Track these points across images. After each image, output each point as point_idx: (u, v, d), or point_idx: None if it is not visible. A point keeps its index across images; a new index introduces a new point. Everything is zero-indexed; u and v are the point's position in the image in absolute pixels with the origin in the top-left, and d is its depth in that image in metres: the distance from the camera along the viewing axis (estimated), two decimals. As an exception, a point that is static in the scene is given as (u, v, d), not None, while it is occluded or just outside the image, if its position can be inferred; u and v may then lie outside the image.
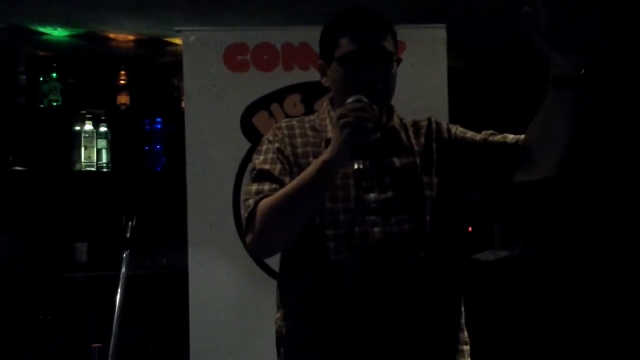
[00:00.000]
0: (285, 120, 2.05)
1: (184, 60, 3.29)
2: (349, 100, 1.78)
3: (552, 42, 1.60)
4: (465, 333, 1.94)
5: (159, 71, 4.41)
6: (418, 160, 1.91)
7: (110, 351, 2.75)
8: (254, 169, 1.94)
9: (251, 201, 1.86)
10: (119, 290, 2.82)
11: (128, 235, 2.95)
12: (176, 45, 4.30)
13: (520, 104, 4.67)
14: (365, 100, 1.77)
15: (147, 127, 4.36)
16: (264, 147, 1.97)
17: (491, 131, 1.95)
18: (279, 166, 1.90)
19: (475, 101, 4.51)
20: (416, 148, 1.93)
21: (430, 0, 3.71)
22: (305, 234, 1.84)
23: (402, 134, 1.95)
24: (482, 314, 4.14)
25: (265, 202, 1.83)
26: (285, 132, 1.97)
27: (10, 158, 4.07)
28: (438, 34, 3.30)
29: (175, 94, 4.33)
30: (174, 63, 4.19)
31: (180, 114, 3.46)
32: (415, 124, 2.00)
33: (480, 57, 4.64)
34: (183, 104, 3.63)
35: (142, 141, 4.35)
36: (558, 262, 4.42)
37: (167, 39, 4.40)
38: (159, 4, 3.85)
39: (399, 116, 2.01)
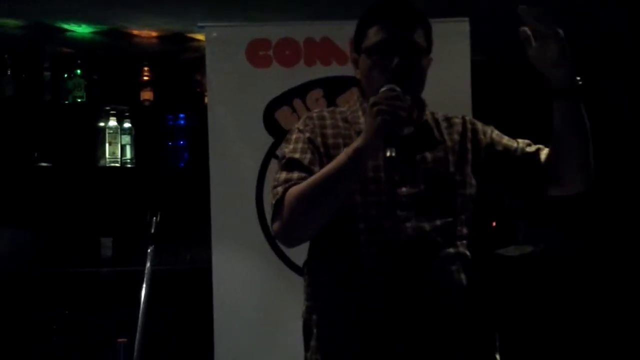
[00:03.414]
0: (317, 110, 2.05)
1: (207, 56, 3.30)
2: (382, 89, 1.78)
3: (546, 60, 1.75)
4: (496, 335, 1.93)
5: (182, 67, 4.43)
6: (450, 156, 1.90)
7: (136, 346, 2.76)
8: (283, 157, 1.93)
9: (279, 189, 1.85)
10: (144, 286, 2.83)
11: (152, 230, 2.96)
12: (199, 41, 4.31)
13: (544, 98, 4.64)
14: (398, 89, 1.77)
15: (171, 122, 4.38)
16: (294, 136, 1.95)
17: (528, 141, 1.95)
18: (309, 156, 1.89)
19: (499, 95, 4.48)
20: (449, 144, 1.93)
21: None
22: (335, 227, 1.83)
23: (435, 129, 1.95)
24: (506, 310, 4.13)
25: (293, 190, 1.82)
26: (317, 122, 1.96)
27: (36, 154, 4.11)
28: (461, 27, 3.28)
29: (198, 90, 4.34)
30: (196, 59, 4.21)
31: (203, 110, 3.48)
32: (448, 120, 1.99)
33: (504, 50, 4.60)
34: (206, 100, 3.65)
35: (165, 137, 4.38)
36: (582, 257, 4.39)
37: (189, 35, 4.42)
38: (181, 0, 3.86)
39: (433, 113, 2.00)
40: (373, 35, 1.89)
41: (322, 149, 1.90)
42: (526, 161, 1.91)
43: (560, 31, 1.71)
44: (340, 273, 1.85)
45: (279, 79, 3.26)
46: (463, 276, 1.84)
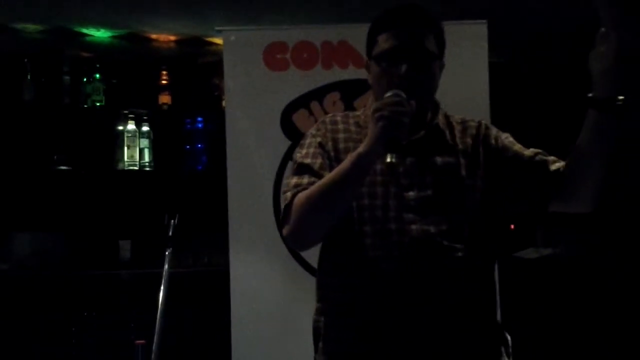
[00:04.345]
0: (330, 115, 2.05)
1: (225, 60, 3.32)
2: (387, 94, 1.78)
3: (598, 62, 1.64)
4: (507, 335, 1.92)
5: (199, 71, 4.44)
6: (462, 160, 1.89)
7: (154, 348, 2.77)
8: (295, 162, 1.96)
9: (289, 194, 1.87)
10: (162, 288, 2.84)
11: (170, 233, 2.97)
12: (217, 45, 4.33)
13: (562, 100, 4.62)
14: (403, 95, 1.76)
15: (189, 126, 4.40)
16: (307, 141, 1.98)
17: (540, 150, 1.92)
18: (319, 161, 1.91)
19: (517, 97, 4.46)
20: (460, 147, 1.92)
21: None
22: (343, 230, 1.85)
23: (447, 133, 1.94)
24: (524, 312, 4.10)
25: (301, 195, 1.84)
26: (329, 127, 1.97)
27: (55, 158, 4.13)
28: (479, 30, 3.28)
29: (216, 94, 4.36)
30: (214, 63, 4.22)
31: (221, 113, 3.49)
32: (464, 123, 1.98)
33: (522, 52, 4.59)
34: (224, 103, 3.66)
35: (183, 140, 4.39)
36: (601, 260, 4.36)
37: (207, 39, 4.43)
38: (199, 4, 3.88)
39: (446, 114, 2.00)
40: (382, 43, 1.89)
41: (332, 154, 1.92)
42: (533, 169, 1.87)
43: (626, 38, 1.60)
44: (346, 275, 1.86)
45: (297, 82, 3.27)
46: (470, 279, 1.83)
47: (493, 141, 1.94)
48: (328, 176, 1.83)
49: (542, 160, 1.88)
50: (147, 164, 4.25)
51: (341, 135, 1.94)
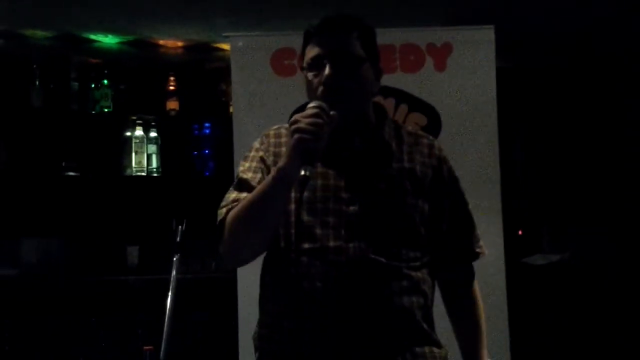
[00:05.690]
0: (276, 127, 1.97)
1: (232, 66, 3.33)
2: (308, 106, 1.74)
3: None
4: (444, 349, 1.86)
5: (207, 77, 4.45)
6: (407, 176, 1.84)
7: (162, 353, 2.77)
8: (237, 175, 1.91)
9: (224, 209, 1.83)
10: (170, 294, 2.84)
11: (178, 239, 2.97)
12: (224, 50, 4.33)
13: (568, 105, 4.61)
14: (323, 105, 1.72)
15: (196, 132, 4.41)
16: (250, 155, 1.93)
17: (460, 210, 1.93)
18: (259, 175, 1.85)
19: (524, 102, 4.45)
20: (407, 162, 1.86)
21: (478, 1, 3.68)
22: (282, 246, 1.80)
23: (393, 144, 1.88)
24: (531, 318, 4.09)
25: (232, 212, 1.80)
26: (272, 140, 1.92)
27: (64, 164, 4.15)
28: (486, 35, 3.28)
29: (224, 99, 4.36)
30: (222, 68, 4.23)
31: (228, 119, 3.50)
32: (416, 137, 1.93)
33: (529, 57, 4.58)
34: (231, 109, 3.66)
35: (191, 146, 4.40)
36: (609, 266, 4.35)
37: (215, 45, 4.44)
38: (207, 10, 3.89)
39: (397, 124, 1.96)
40: (307, 54, 1.86)
41: (272, 168, 1.82)
42: (444, 230, 1.90)
43: None
44: (282, 291, 1.81)
45: (304, 88, 3.26)
46: (407, 298, 1.77)
47: (445, 172, 1.91)
48: (253, 192, 1.78)
49: (451, 227, 1.91)
50: (154, 169, 4.26)
51: (284, 149, 1.84)
